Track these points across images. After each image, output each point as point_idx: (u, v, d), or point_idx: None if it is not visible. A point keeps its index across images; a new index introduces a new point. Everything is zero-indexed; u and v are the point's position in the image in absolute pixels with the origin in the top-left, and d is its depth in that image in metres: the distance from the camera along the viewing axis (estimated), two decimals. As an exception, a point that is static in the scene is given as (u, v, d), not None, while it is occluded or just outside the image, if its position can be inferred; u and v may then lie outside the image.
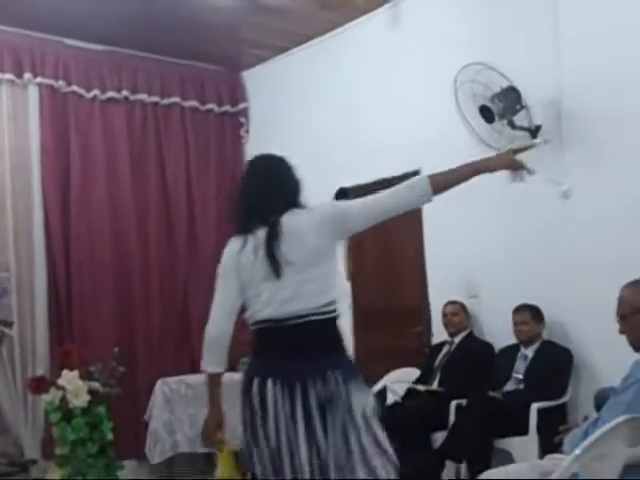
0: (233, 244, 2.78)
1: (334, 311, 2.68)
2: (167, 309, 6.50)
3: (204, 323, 6.82)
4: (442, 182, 2.67)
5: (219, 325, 2.76)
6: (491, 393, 4.61)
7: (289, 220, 2.67)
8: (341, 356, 2.71)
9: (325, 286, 2.65)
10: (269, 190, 2.74)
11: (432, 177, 2.66)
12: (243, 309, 2.78)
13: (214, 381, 2.81)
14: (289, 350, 2.63)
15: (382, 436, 2.67)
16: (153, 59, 6.59)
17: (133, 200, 6.38)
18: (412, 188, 2.65)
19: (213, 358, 2.78)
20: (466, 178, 2.75)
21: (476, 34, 5.20)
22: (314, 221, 2.66)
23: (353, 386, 2.64)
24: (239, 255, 2.72)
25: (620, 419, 2.40)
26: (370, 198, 2.69)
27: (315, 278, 2.63)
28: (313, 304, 2.62)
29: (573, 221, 4.74)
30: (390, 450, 2.68)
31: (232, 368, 6.00)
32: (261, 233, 2.69)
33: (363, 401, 2.66)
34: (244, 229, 2.75)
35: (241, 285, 2.73)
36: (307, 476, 2.55)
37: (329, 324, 2.67)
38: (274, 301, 2.65)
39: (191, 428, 5.81)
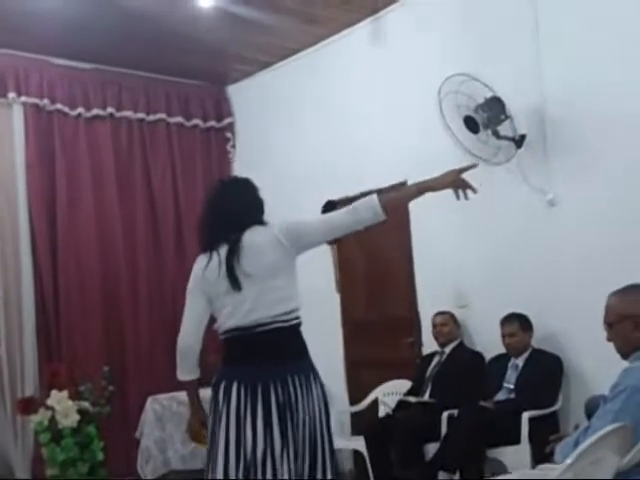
0: (199, 262, 3.03)
1: (296, 319, 2.92)
2: (156, 326, 6.47)
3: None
4: (391, 201, 2.88)
5: (189, 338, 3.01)
6: (482, 403, 4.61)
7: (250, 236, 2.90)
8: (303, 361, 2.94)
9: (285, 296, 2.87)
10: (231, 211, 2.97)
11: (381, 197, 2.84)
12: (213, 320, 3.03)
13: (191, 386, 3.08)
14: (253, 356, 2.86)
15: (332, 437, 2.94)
16: (138, 76, 6.59)
17: (120, 217, 6.37)
18: (365, 207, 2.83)
19: (186, 367, 3.03)
20: (412, 197, 3.00)
21: (459, 46, 5.23)
22: (272, 236, 2.88)
23: (313, 389, 2.89)
24: (204, 271, 2.96)
25: (609, 428, 2.39)
26: (327, 216, 2.99)
27: (274, 289, 2.85)
28: (273, 312, 2.84)
29: (559, 229, 4.76)
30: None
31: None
32: (223, 250, 2.92)
33: (321, 404, 2.91)
34: (209, 247, 2.98)
35: (208, 299, 2.98)
36: (259, 472, 2.77)
37: (291, 331, 2.90)
38: (237, 312, 2.88)
39: (183, 445, 5.79)
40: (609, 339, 2.77)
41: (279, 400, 2.81)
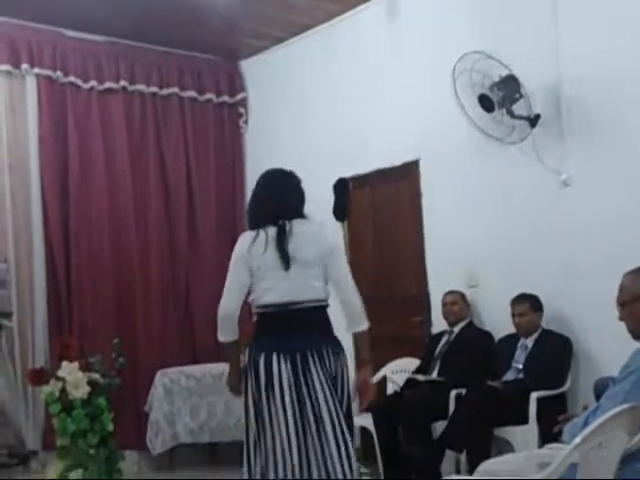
0: (246, 236, 3.31)
1: (323, 301, 3.29)
2: (168, 299, 6.50)
3: (206, 313, 6.91)
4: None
5: (229, 306, 3.28)
6: (490, 383, 4.61)
7: (297, 226, 3.24)
8: (330, 337, 3.32)
9: (316, 285, 3.23)
10: (278, 198, 3.31)
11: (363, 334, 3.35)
12: (247, 293, 3.31)
13: (231, 348, 3.41)
14: (289, 329, 3.20)
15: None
16: (151, 49, 6.57)
17: (132, 191, 6.37)
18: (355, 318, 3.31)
19: (227, 330, 3.33)
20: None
21: (475, 22, 5.18)
22: (319, 233, 3.28)
23: (341, 360, 3.32)
24: (251, 246, 3.23)
25: (619, 408, 2.40)
26: (348, 279, 3.32)
27: (310, 277, 3.20)
28: (312, 294, 3.21)
29: (573, 210, 4.74)
30: None
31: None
32: (271, 231, 3.22)
33: (347, 374, 3.34)
34: (256, 226, 3.28)
35: (250, 271, 3.24)
36: (309, 436, 3.12)
37: (320, 310, 3.28)
38: (276, 288, 3.19)
39: (192, 419, 5.84)
40: (621, 319, 2.77)
41: (317, 367, 3.18)
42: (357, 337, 3.32)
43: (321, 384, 3.16)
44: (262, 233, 3.22)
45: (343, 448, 3.14)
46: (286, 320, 3.20)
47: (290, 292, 3.17)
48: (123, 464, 4.53)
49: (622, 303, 2.75)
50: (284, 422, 3.12)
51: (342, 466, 3.11)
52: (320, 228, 3.30)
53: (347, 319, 3.29)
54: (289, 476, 3.12)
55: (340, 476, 3.09)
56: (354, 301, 3.26)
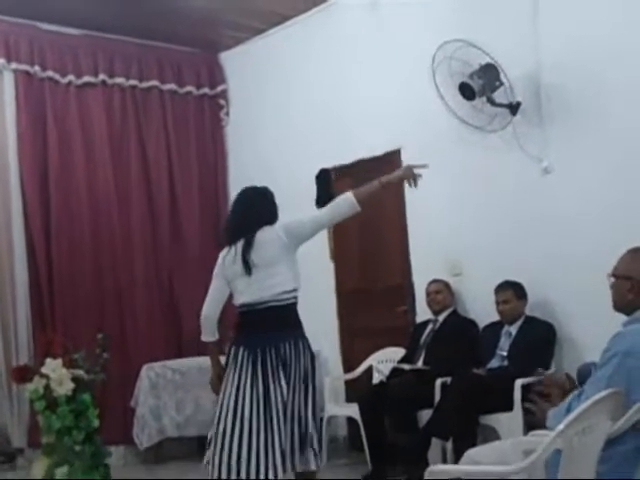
0: (223, 252, 3.85)
1: (292, 298, 3.73)
2: (152, 293, 6.48)
3: (191, 306, 6.91)
4: (362, 195, 3.64)
5: (209, 310, 3.87)
6: (475, 370, 4.64)
7: (260, 234, 3.70)
8: (296, 331, 3.75)
9: (282, 280, 3.67)
10: (248, 215, 3.79)
11: (354, 193, 3.64)
12: (231, 297, 3.88)
13: (211, 347, 3.94)
14: (256, 326, 3.70)
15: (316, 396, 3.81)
16: (130, 42, 6.52)
17: (114, 184, 6.34)
18: (344, 203, 3.64)
19: (207, 331, 3.88)
20: (377, 190, 3.71)
21: (455, 11, 5.17)
22: (275, 234, 3.68)
23: (301, 354, 3.69)
24: (225, 260, 3.81)
25: (602, 393, 2.41)
26: (316, 215, 3.78)
27: (275, 274, 3.66)
28: (272, 292, 3.66)
29: (554, 196, 4.76)
30: None
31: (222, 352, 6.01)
32: (240, 244, 3.74)
33: (308, 366, 3.73)
34: (230, 242, 3.80)
35: (226, 281, 3.82)
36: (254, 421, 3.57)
37: (287, 308, 3.70)
38: (246, 291, 3.72)
39: (178, 413, 5.84)
40: (611, 287, 2.80)
41: (272, 361, 3.61)
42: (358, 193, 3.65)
43: (275, 375, 3.61)
44: (233, 248, 3.76)
45: (304, 431, 3.67)
46: (254, 317, 3.71)
47: (254, 293, 3.68)
48: (109, 459, 4.52)
49: (614, 275, 2.78)
50: (246, 408, 3.59)
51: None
52: (278, 227, 3.71)
53: (343, 210, 3.67)
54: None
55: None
56: (329, 208, 3.68)
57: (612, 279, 2.80)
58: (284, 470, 3.55)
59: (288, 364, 3.65)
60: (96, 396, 4.46)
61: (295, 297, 3.76)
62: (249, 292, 3.70)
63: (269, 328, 3.67)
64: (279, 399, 3.58)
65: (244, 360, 3.65)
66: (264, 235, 3.70)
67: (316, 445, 3.72)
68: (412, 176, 3.74)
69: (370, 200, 3.67)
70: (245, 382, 3.61)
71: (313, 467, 3.71)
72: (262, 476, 3.49)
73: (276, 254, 3.67)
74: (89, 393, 4.37)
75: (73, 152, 6.17)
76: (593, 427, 2.35)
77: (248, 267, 3.67)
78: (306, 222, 3.71)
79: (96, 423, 4.34)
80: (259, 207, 3.80)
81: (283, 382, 3.61)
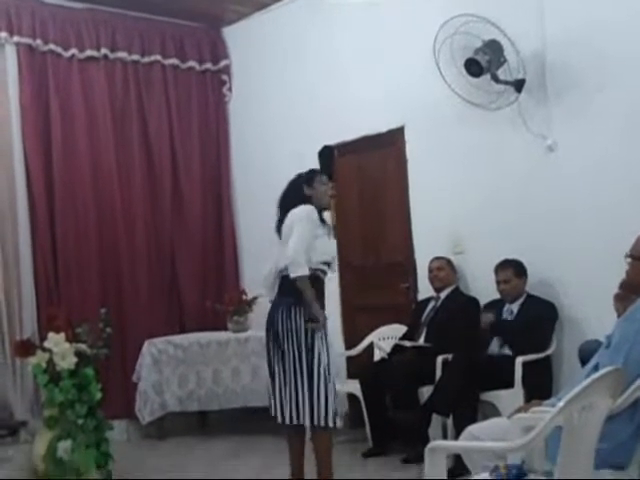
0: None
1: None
2: (154, 269, 6.49)
3: (193, 282, 6.90)
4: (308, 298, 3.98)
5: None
6: (484, 315, 4.73)
7: (287, 217, 4.12)
8: (289, 298, 4.01)
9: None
10: (283, 199, 4.24)
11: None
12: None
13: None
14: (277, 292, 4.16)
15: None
16: (132, 16, 6.48)
17: (116, 161, 6.32)
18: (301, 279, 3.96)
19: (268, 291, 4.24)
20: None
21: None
22: (290, 218, 4.07)
23: (291, 316, 4.00)
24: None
25: (603, 371, 2.42)
26: (294, 239, 3.99)
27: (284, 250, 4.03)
28: (282, 266, 4.06)
29: (558, 174, 4.74)
30: None
31: (224, 327, 6.03)
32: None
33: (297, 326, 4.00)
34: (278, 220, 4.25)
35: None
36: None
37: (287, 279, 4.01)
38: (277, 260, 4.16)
39: (180, 388, 5.86)
40: (628, 268, 2.79)
41: (282, 326, 3.99)
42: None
43: (279, 334, 4.00)
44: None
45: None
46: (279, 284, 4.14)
47: (278, 262, 4.10)
48: (111, 434, 4.55)
49: (632, 256, 2.77)
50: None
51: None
52: (293, 212, 4.06)
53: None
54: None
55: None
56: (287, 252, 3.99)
57: (629, 260, 2.79)
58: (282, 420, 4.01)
59: (274, 324, 4.04)
60: (99, 370, 4.50)
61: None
62: (279, 260, 4.11)
63: (282, 291, 4.10)
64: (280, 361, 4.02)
65: (272, 318, 4.08)
66: (288, 217, 4.10)
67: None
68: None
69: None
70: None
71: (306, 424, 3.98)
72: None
73: (288, 233, 4.03)
74: (92, 367, 4.40)
75: (75, 126, 6.14)
76: (593, 404, 2.36)
77: (280, 241, 4.14)
78: (294, 233, 3.99)
79: (98, 397, 4.37)
80: (291, 191, 4.21)
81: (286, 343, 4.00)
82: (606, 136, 4.49)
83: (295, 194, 4.16)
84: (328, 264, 4.14)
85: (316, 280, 4.01)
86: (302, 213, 4.04)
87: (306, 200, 4.11)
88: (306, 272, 3.91)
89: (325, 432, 3.96)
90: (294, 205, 4.10)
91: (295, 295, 3.96)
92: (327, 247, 4.14)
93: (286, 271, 3.99)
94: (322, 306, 4.03)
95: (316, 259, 4.01)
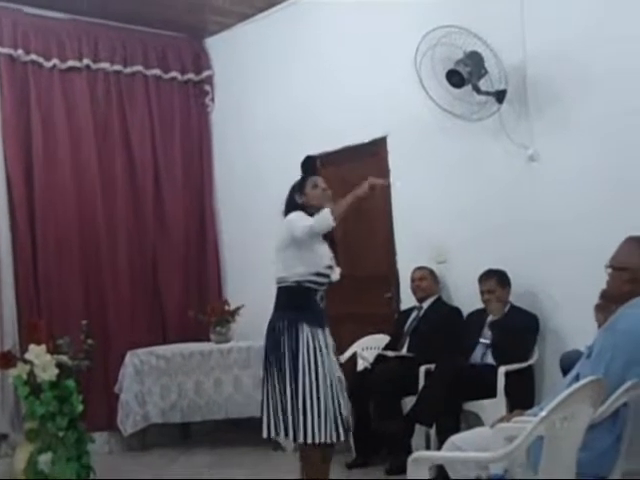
0: None
1: (282, 282, 3.91)
2: (137, 280, 6.46)
3: (175, 292, 6.87)
4: (337, 211, 3.76)
5: None
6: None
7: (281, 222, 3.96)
8: (284, 312, 3.88)
9: (279, 267, 3.92)
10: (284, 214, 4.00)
11: (332, 209, 3.77)
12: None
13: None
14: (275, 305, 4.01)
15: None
16: (114, 27, 6.47)
17: (98, 171, 6.30)
18: (323, 218, 3.75)
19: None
20: (348, 206, 3.80)
21: (441, 1, 5.15)
22: (279, 231, 3.93)
23: (288, 330, 3.82)
24: None
25: (585, 381, 2.44)
26: (306, 224, 3.81)
27: (278, 261, 3.93)
28: (276, 276, 3.94)
29: (539, 184, 4.77)
30: None
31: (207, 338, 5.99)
32: None
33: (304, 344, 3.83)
34: None
35: None
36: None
37: (281, 291, 3.93)
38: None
39: (162, 399, 5.83)
40: (607, 280, 2.80)
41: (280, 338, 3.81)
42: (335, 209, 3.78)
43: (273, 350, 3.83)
44: None
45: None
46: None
47: (275, 274, 3.97)
48: (93, 446, 4.51)
49: (612, 266, 2.78)
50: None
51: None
52: (282, 223, 3.91)
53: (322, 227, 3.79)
54: None
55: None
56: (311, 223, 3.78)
57: (609, 270, 2.80)
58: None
59: (282, 343, 3.84)
60: (80, 382, 4.46)
61: (288, 282, 3.89)
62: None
63: (277, 305, 3.98)
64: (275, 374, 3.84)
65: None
66: (281, 223, 3.94)
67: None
68: (378, 188, 3.85)
69: (345, 215, 3.81)
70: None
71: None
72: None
73: (278, 243, 3.92)
74: (73, 379, 4.36)
75: (57, 136, 6.12)
76: (575, 414, 2.38)
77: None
78: (299, 226, 3.81)
79: (80, 409, 4.34)
80: (286, 206, 4.03)
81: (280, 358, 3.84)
82: (586, 147, 4.53)
83: (288, 206, 3.98)
84: (325, 275, 3.90)
85: (305, 291, 3.85)
86: (288, 222, 3.86)
87: (299, 209, 3.93)
88: (329, 221, 3.72)
89: (314, 449, 3.77)
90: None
91: (293, 309, 3.84)
92: (318, 257, 3.88)
93: (282, 282, 3.88)
94: (318, 320, 3.85)
95: (304, 270, 3.83)
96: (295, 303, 3.87)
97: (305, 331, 3.79)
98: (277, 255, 3.92)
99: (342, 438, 3.81)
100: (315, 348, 3.80)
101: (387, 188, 3.97)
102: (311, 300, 3.87)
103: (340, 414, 3.78)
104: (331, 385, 3.78)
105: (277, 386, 3.78)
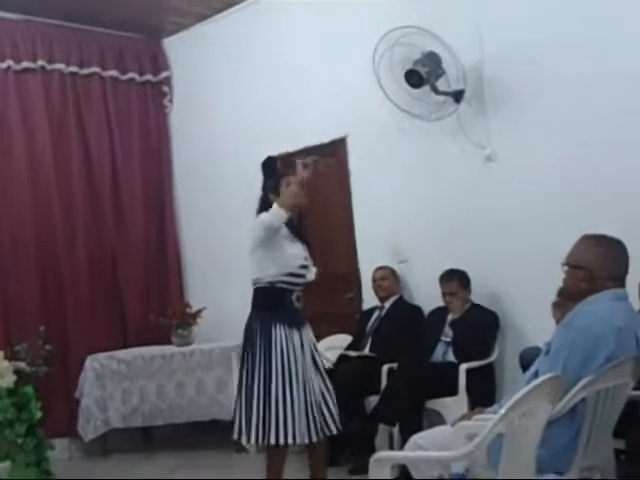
0: None
1: (255, 283, 3.95)
2: (96, 283, 6.38)
3: (136, 296, 6.77)
4: (285, 201, 3.84)
5: None
6: None
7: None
8: (254, 311, 3.95)
9: (253, 269, 3.93)
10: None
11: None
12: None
13: None
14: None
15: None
16: (70, 28, 6.38)
17: (55, 174, 6.20)
18: (274, 212, 3.78)
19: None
20: (294, 194, 3.90)
21: (398, 2, 5.17)
22: (253, 228, 3.88)
23: (251, 332, 3.90)
24: None
25: (543, 378, 2.46)
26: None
27: (252, 262, 3.93)
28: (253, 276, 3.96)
29: (497, 183, 4.82)
30: None
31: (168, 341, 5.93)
32: None
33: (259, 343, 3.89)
34: None
35: None
36: None
37: (254, 291, 3.96)
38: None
39: (123, 403, 5.77)
40: (565, 276, 2.83)
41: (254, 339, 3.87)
42: None
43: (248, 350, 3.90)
44: None
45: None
46: None
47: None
48: (53, 452, 4.45)
49: (568, 264, 2.80)
50: None
51: None
52: (256, 220, 3.87)
53: None
54: None
55: None
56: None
57: (566, 268, 2.83)
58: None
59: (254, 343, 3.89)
60: (39, 388, 4.40)
61: (258, 284, 3.93)
62: None
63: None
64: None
65: None
66: (253, 224, 3.91)
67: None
68: (304, 165, 3.91)
69: (295, 203, 3.88)
70: None
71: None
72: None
73: (249, 245, 3.91)
74: (31, 385, 4.30)
75: (13, 138, 6.02)
76: (533, 411, 2.40)
77: None
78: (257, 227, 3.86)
79: (39, 415, 4.28)
80: (259, 205, 4.00)
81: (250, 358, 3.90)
82: (542, 146, 4.59)
83: (261, 206, 3.95)
84: (299, 275, 3.91)
85: (279, 292, 3.86)
86: (265, 221, 3.82)
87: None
88: (281, 213, 3.77)
89: (277, 450, 3.80)
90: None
91: (267, 309, 3.87)
92: (290, 257, 3.89)
93: (257, 284, 3.91)
94: (293, 320, 3.87)
95: (277, 271, 3.84)
96: (269, 304, 3.89)
97: (278, 331, 3.81)
98: (251, 256, 3.91)
99: (314, 439, 3.81)
100: (289, 349, 3.81)
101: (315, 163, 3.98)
102: (285, 300, 3.89)
103: (314, 416, 3.80)
104: (304, 386, 3.79)
105: (248, 386, 3.78)
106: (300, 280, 3.93)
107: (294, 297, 3.92)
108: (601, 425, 2.63)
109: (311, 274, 4.01)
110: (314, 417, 3.81)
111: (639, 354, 2.68)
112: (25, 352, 4.37)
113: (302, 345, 3.87)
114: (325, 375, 3.99)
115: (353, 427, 4.77)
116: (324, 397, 3.94)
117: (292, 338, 3.84)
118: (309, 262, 4.00)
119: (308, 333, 3.98)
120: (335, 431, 3.93)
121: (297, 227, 4.02)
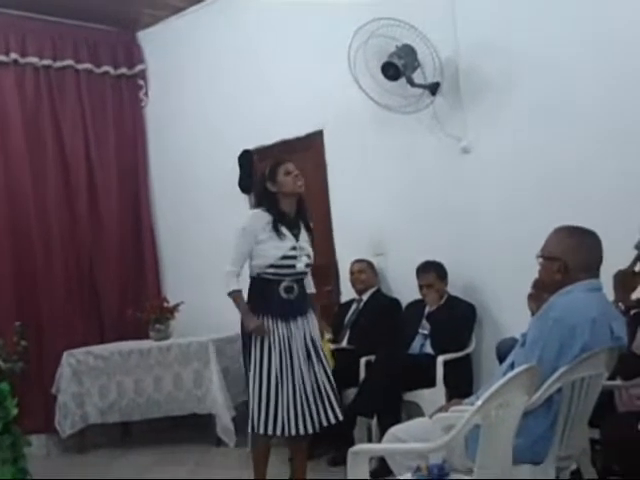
0: None
1: (250, 274, 4.00)
2: (71, 278, 6.33)
3: (111, 290, 6.69)
4: (233, 296, 3.95)
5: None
6: None
7: None
8: (250, 303, 3.95)
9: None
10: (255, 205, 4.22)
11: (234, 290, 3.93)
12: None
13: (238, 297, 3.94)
14: None
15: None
16: (43, 20, 6.30)
17: (29, 168, 6.13)
18: (227, 282, 3.92)
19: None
20: (239, 308, 3.93)
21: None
22: None
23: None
24: None
25: (519, 369, 2.48)
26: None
27: None
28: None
29: (473, 175, 4.84)
30: None
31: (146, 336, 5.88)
32: None
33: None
34: None
35: None
36: None
37: (250, 282, 4.01)
38: None
39: (101, 399, 5.75)
40: (540, 267, 2.84)
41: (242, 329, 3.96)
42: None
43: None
44: None
45: None
46: None
47: None
48: (31, 449, 4.42)
49: (542, 256, 2.82)
50: None
51: None
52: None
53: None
54: None
55: None
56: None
57: (540, 260, 2.85)
58: None
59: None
60: (15, 385, 4.36)
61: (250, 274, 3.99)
62: None
63: None
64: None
65: None
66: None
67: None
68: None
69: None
70: None
71: None
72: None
73: None
74: (7, 382, 4.26)
75: (-16, 134, 5.95)
76: (510, 402, 2.42)
77: None
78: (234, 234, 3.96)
79: (14, 412, 4.23)
80: (256, 196, 4.20)
81: None
82: (517, 138, 4.62)
83: (258, 195, 4.07)
84: (284, 265, 3.89)
85: (265, 282, 3.89)
86: (239, 224, 3.91)
87: (270, 198, 3.92)
88: (234, 287, 3.85)
89: (261, 438, 3.86)
90: (259, 207, 3.99)
91: (253, 300, 3.91)
92: (269, 249, 3.88)
93: (250, 275, 3.99)
94: (279, 310, 3.87)
95: (260, 262, 3.87)
96: (254, 294, 3.94)
97: (261, 321, 3.84)
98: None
99: (293, 433, 3.82)
100: (268, 340, 3.81)
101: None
102: (271, 291, 3.88)
103: (303, 409, 3.82)
104: (289, 378, 3.80)
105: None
106: (289, 270, 3.90)
107: (282, 288, 3.89)
108: (577, 415, 2.65)
109: (301, 264, 3.95)
110: (302, 410, 3.82)
111: (613, 345, 2.70)
112: (0, 348, 4.32)
113: (291, 335, 3.85)
114: (326, 365, 3.99)
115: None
116: (325, 387, 3.93)
117: (275, 329, 3.83)
118: (298, 252, 3.95)
119: (304, 324, 3.95)
120: (334, 420, 3.95)
121: (295, 216, 4.00)
